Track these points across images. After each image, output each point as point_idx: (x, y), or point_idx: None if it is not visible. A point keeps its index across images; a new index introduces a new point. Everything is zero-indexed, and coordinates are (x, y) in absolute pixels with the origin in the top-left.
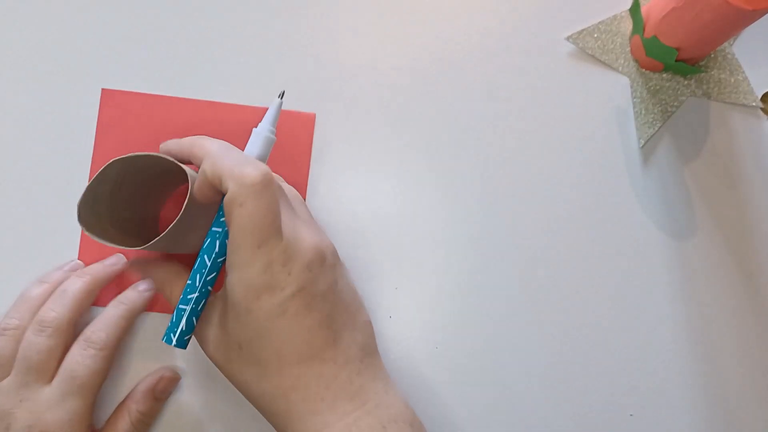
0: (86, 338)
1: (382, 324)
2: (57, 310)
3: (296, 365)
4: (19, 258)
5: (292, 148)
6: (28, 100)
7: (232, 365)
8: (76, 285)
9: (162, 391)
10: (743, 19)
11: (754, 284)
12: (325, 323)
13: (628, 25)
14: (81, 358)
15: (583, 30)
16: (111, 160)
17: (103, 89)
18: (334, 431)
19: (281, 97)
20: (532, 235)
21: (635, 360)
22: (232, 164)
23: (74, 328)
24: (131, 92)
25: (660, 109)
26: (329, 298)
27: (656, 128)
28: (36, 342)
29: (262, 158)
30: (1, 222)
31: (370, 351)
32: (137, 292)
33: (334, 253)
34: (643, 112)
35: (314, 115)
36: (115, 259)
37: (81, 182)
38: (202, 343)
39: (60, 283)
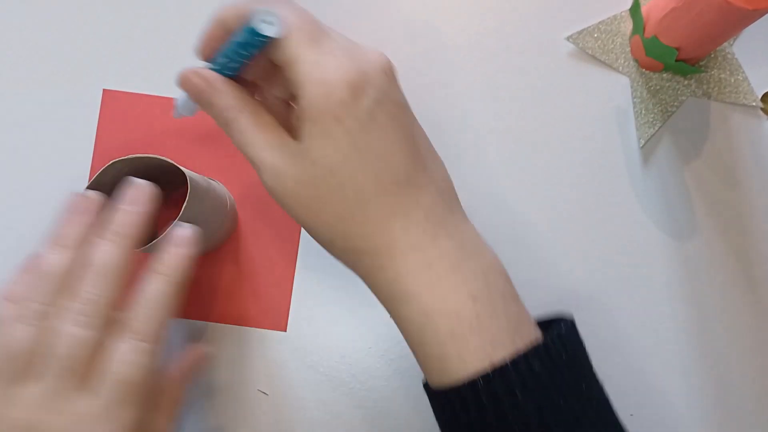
0: (133, 330)
1: (382, 323)
2: (96, 290)
3: (394, 189)
4: (19, 259)
5: None
6: (29, 101)
7: (321, 199)
8: (113, 254)
9: (194, 372)
10: (743, 19)
11: (754, 284)
12: (411, 141)
13: (628, 25)
14: (132, 356)
15: (583, 30)
16: (110, 162)
17: (104, 90)
18: (438, 271)
19: None
20: (532, 235)
21: (635, 360)
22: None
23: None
24: (132, 93)
25: (660, 109)
26: (409, 114)
27: (656, 128)
28: (71, 334)
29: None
30: (1, 222)
31: (453, 187)
32: (177, 255)
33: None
34: (643, 112)
35: None
36: (139, 194)
37: (81, 182)
38: (275, 179)
39: (79, 242)
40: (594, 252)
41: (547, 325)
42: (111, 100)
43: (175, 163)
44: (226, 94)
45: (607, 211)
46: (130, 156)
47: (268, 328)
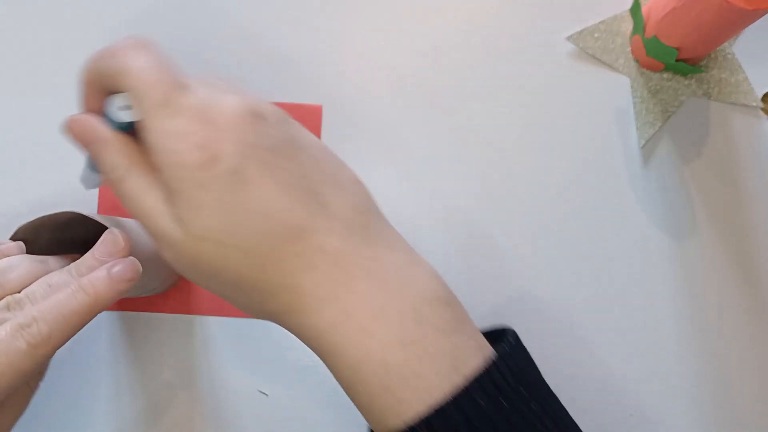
0: (23, 323)
1: None
2: (44, 324)
3: (291, 242)
4: None
5: None
6: (34, 109)
7: (221, 270)
8: (72, 302)
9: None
10: (743, 19)
11: (754, 284)
12: (297, 184)
13: (628, 25)
14: (4, 345)
15: (583, 30)
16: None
17: None
18: (360, 320)
19: None
20: (532, 235)
21: (635, 360)
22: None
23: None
24: None
25: (660, 108)
26: (291, 154)
27: (656, 128)
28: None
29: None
30: (9, 231)
31: (372, 213)
32: (110, 278)
33: (282, 113)
34: (644, 111)
35: (321, 107)
36: (130, 272)
37: (91, 190)
38: (173, 253)
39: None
40: (594, 252)
41: (490, 338)
42: None
43: (92, 216)
44: (114, 149)
45: (607, 211)
46: (77, 213)
47: None
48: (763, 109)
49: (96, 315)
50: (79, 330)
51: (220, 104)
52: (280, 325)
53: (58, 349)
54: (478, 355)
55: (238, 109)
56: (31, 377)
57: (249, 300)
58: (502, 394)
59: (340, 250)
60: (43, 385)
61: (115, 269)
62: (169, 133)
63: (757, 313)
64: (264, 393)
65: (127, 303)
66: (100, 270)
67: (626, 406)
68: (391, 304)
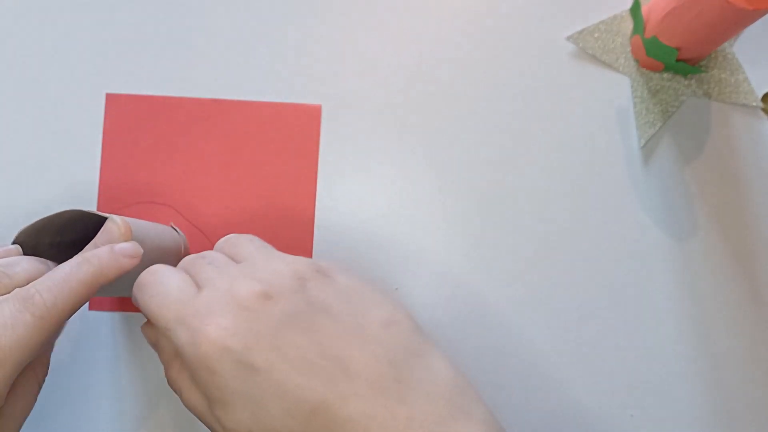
0: (25, 296)
1: None
2: (47, 293)
3: (316, 417)
4: None
5: (299, 142)
6: (32, 109)
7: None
8: (77, 272)
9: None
10: (744, 19)
11: (755, 284)
12: (313, 355)
13: (628, 25)
14: (10, 320)
15: (583, 30)
16: (64, 210)
17: (107, 94)
18: None
19: None
20: (533, 236)
21: (635, 360)
22: None
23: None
24: (135, 95)
25: (660, 108)
26: (304, 324)
27: (657, 128)
28: None
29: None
30: (9, 232)
31: (402, 359)
32: (112, 251)
33: (307, 278)
34: (644, 111)
35: (320, 107)
36: (132, 250)
37: (90, 189)
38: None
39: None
40: (593, 252)
41: None
42: (114, 103)
43: (98, 213)
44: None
45: (607, 212)
46: (77, 210)
47: None
48: (763, 109)
49: (100, 287)
50: (84, 301)
51: (196, 328)
52: None
53: (65, 320)
54: None
55: (232, 304)
56: (38, 364)
57: None
58: None
59: (368, 414)
60: (44, 385)
61: (118, 245)
62: (179, 341)
63: (757, 313)
64: None
65: (127, 303)
66: (103, 246)
67: (626, 406)
68: None
